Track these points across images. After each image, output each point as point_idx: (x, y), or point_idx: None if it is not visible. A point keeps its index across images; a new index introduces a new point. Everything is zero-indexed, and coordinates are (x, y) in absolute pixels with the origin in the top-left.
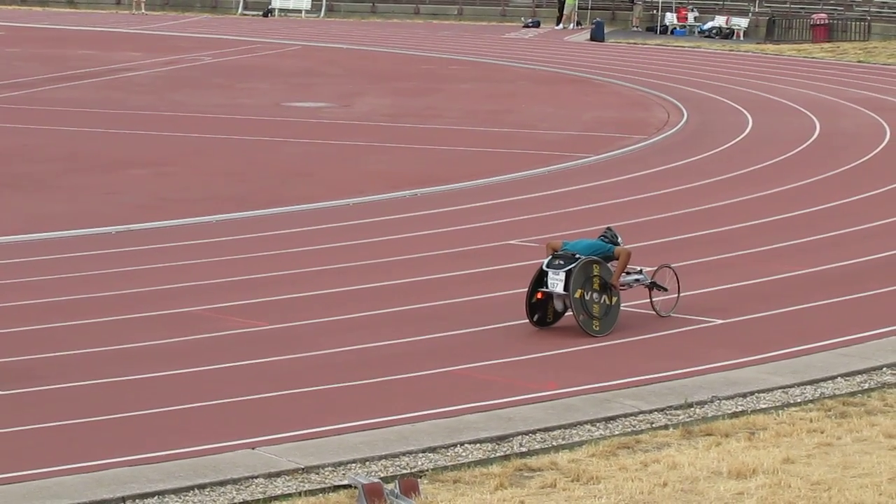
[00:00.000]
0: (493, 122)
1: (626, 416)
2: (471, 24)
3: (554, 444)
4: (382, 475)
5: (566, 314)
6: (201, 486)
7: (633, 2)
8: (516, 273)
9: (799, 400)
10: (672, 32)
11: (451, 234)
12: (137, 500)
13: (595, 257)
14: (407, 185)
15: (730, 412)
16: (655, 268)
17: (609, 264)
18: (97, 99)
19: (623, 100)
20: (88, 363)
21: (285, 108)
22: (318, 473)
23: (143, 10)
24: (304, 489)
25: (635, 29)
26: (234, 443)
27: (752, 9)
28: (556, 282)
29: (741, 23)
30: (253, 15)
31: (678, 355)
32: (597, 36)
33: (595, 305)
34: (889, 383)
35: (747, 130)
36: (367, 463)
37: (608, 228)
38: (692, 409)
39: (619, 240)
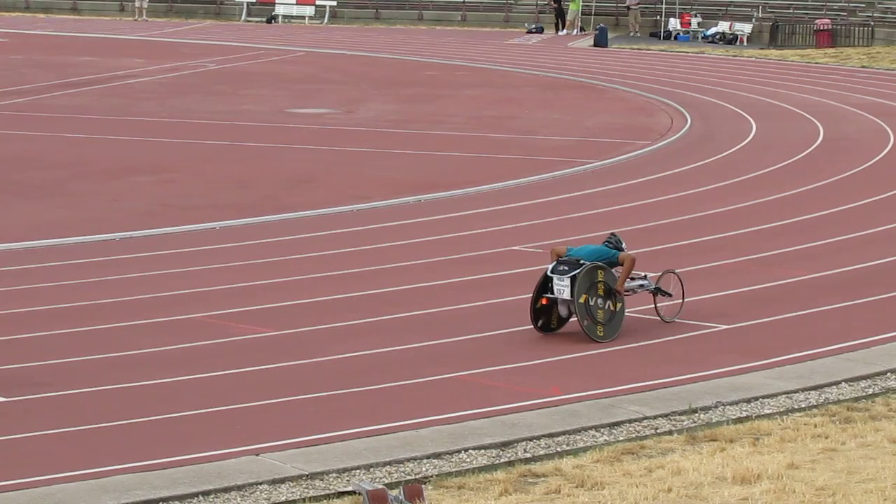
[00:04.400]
0: (496, 128)
1: (630, 421)
2: (474, 30)
3: (558, 449)
4: (387, 481)
5: (570, 320)
6: (206, 493)
7: (628, 8)
8: (520, 279)
9: (803, 405)
10: (675, 38)
11: (454, 240)
12: None
13: (600, 263)
14: (410, 191)
15: (734, 418)
16: (660, 273)
17: (613, 270)
18: (100, 106)
19: (627, 105)
20: (92, 370)
21: (289, 115)
22: (322, 480)
23: (143, 17)
24: (309, 495)
25: (633, 34)
26: (238, 449)
27: (755, 14)
28: (561, 288)
29: (745, 28)
30: (256, 21)
31: (682, 361)
32: (600, 42)
33: (599, 311)
34: (893, 388)
35: (751, 136)
36: (372, 469)
37: (612, 234)
38: (696, 414)
39: (624, 245)
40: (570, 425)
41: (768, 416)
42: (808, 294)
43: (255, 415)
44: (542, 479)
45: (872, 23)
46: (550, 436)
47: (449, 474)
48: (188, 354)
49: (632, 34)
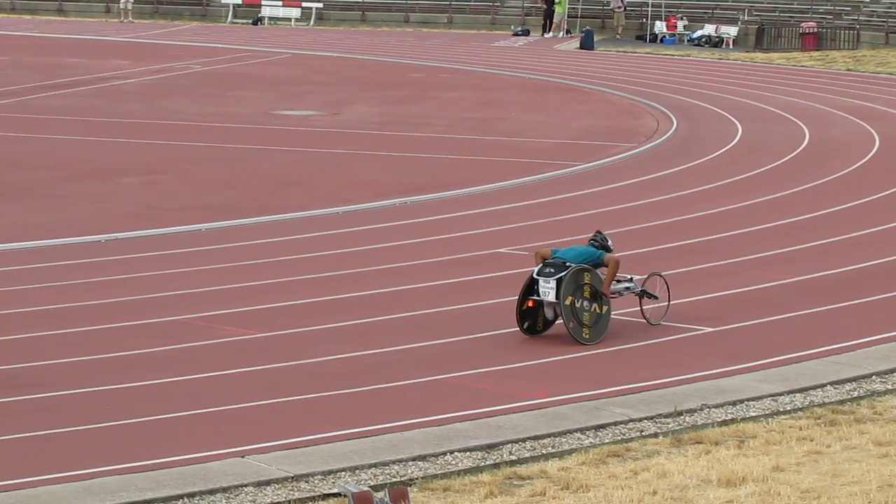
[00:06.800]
0: (482, 131)
1: (615, 424)
2: (460, 32)
3: (544, 452)
4: (372, 483)
5: (556, 322)
6: (190, 495)
7: (613, 10)
8: (506, 281)
9: (788, 408)
10: (661, 41)
11: (440, 242)
12: None
13: (586, 265)
14: (396, 193)
15: (719, 420)
16: (646, 276)
17: (598, 271)
18: (86, 107)
19: (612, 108)
20: (77, 371)
21: (275, 117)
22: (307, 482)
23: (130, 19)
24: (294, 497)
25: (616, 37)
26: (223, 451)
27: (741, 17)
28: (547, 290)
29: (730, 31)
30: (243, 23)
31: (668, 363)
32: (586, 44)
33: (585, 313)
34: (878, 391)
35: (737, 139)
36: (357, 471)
37: (598, 232)
38: (682, 417)
39: (610, 243)
40: (555, 427)
41: (753, 418)
42: (794, 297)
43: (241, 416)
44: (528, 481)
45: (858, 26)
46: (536, 438)
47: (434, 476)
48: (174, 356)
49: (616, 37)
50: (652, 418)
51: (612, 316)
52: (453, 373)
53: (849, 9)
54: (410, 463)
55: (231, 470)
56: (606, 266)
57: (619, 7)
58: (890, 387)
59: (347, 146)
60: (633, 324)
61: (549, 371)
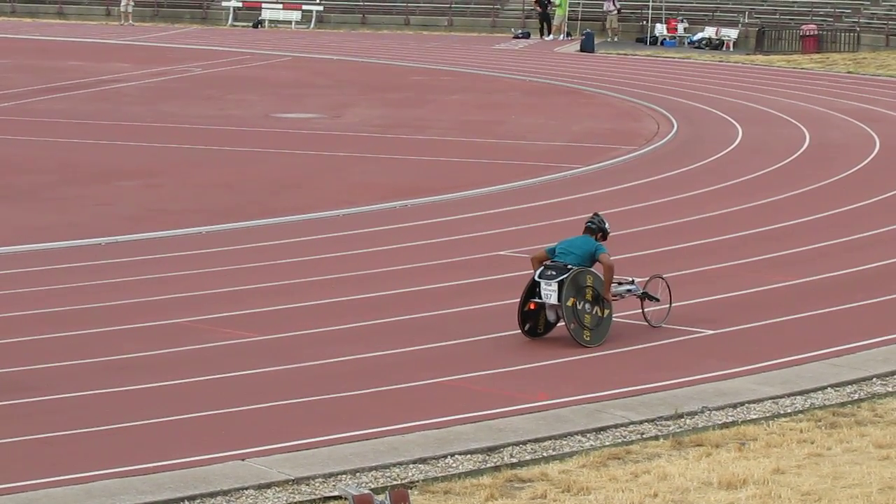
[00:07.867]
0: (482, 133)
1: (616, 426)
2: (461, 34)
3: (544, 454)
4: (373, 486)
5: (558, 325)
6: (191, 498)
7: (606, 13)
8: (506, 284)
9: (789, 410)
10: (662, 43)
11: (440, 244)
12: None
13: (587, 267)
14: (396, 195)
15: (720, 423)
16: (647, 278)
17: (595, 267)
18: (87, 110)
19: (613, 111)
20: (78, 374)
21: (275, 120)
22: (308, 485)
23: (130, 22)
24: (295, 500)
25: (609, 40)
26: (224, 454)
27: (741, 20)
28: (549, 292)
29: (731, 34)
30: (243, 26)
31: (669, 366)
32: (586, 47)
33: (587, 316)
34: (879, 394)
35: (737, 141)
36: (358, 474)
37: (595, 214)
38: (682, 419)
39: (607, 225)
40: (556, 430)
41: (754, 421)
42: (795, 299)
43: (241, 419)
44: (529, 484)
45: (858, 28)
46: (537, 441)
47: (435, 479)
48: (174, 359)
49: (608, 39)
50: (653, 420)
51: (613, 319)
52: (454, 375)
53: (849, 11)
54: (411, 465)
55: (231, 473)
56: (602, 263)
57: (612, 10)
58: (891, 389)
59: (348, 149)
60: (635, 326)
61: (549, 373)
